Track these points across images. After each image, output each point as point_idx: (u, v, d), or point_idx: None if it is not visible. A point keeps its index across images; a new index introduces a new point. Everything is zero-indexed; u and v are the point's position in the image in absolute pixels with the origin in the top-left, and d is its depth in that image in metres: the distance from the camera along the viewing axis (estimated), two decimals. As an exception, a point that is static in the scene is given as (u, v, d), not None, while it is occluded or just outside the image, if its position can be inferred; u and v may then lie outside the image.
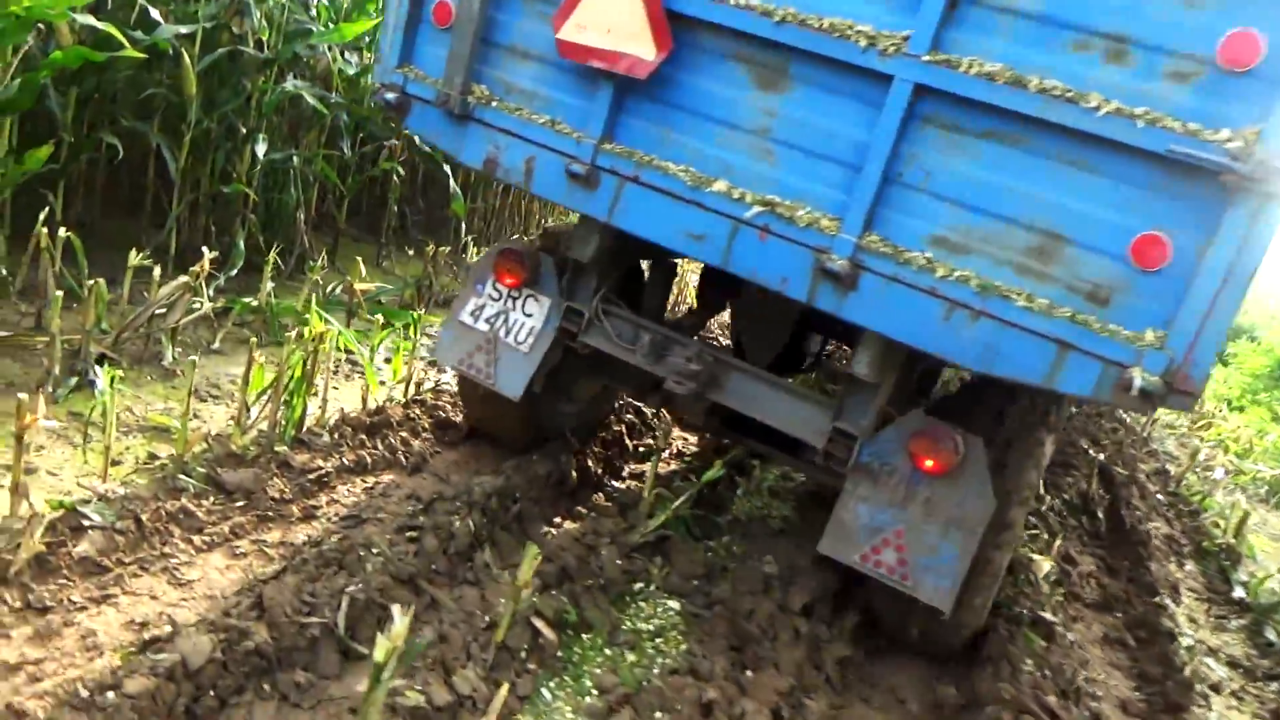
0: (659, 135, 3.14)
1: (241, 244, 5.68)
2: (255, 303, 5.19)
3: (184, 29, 5.15)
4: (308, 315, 4.56)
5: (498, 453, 4.46)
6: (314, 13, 6.26)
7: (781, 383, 3.54)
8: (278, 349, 4.62)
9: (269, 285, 5.16)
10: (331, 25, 6.31)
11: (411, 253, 7.79)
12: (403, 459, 4.16)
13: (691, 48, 3.02)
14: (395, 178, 7.09)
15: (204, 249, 4.75)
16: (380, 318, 5.78)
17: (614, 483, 4.73)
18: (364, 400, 4.52)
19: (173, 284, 4.50)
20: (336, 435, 4.09)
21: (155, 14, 4.98)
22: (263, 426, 3.89)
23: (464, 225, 8.12)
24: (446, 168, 7.19)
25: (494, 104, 3.39)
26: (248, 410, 3.81)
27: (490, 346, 3.86)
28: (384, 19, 3.57)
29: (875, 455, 3.31)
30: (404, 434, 4.32)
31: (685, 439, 5.46)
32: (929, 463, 3.18)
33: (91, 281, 4.09)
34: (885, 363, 3.20)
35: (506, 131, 3.37)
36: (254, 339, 3.82)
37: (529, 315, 3.83)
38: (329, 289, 6.04)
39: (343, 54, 6.50)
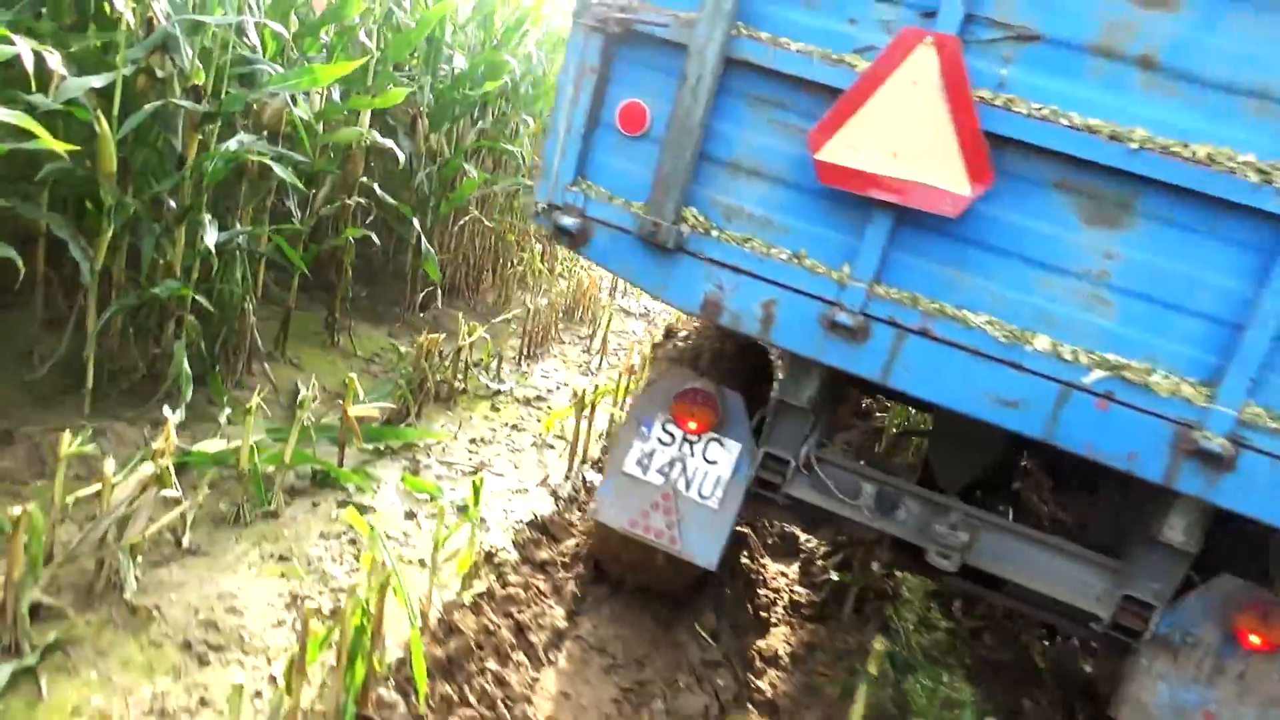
0: (950, 278, 2.55)
1: (185, 363, 4.18)
2: (217, 450, 3.86)
3: (98, 80, 3.57)
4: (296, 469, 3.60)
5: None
6: (257, 43, 4.68)
7: (1053, 541, 3.02)
8: (272, 522, 3.75)
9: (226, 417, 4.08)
10: (287, 62, 5.01)
11: (368, 325, 6.55)
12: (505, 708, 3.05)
13: (1005, 175, 2.43)
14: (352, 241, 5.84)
15: (140, 376, 3.63)
16: (381, 444, 4.66)
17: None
18: (423, 619, 3.21)
19: (134, 478, 3.07)
20: (411, 697, 2.84)
21: (53, 60, 3.24)
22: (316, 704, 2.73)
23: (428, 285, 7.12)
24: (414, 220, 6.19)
25: (714, 233, 2.71)
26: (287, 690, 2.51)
27: (670, 504, 3.20)
28: (552, 122, 2.81)
29: (1177, 626, 2.85)
30: (489, 664, 3.21)
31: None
32: (1255, 639, 2.74)
33: (19, 509, 2.63)
34: (1203, 529, 2.73)
35: (734, 268, 2.70)
36: (277, 572, 2.90)
37: (712, 463, 3.18)
38: (319, 418, 4.71)
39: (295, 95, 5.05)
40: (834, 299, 2.61)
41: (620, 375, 6.05)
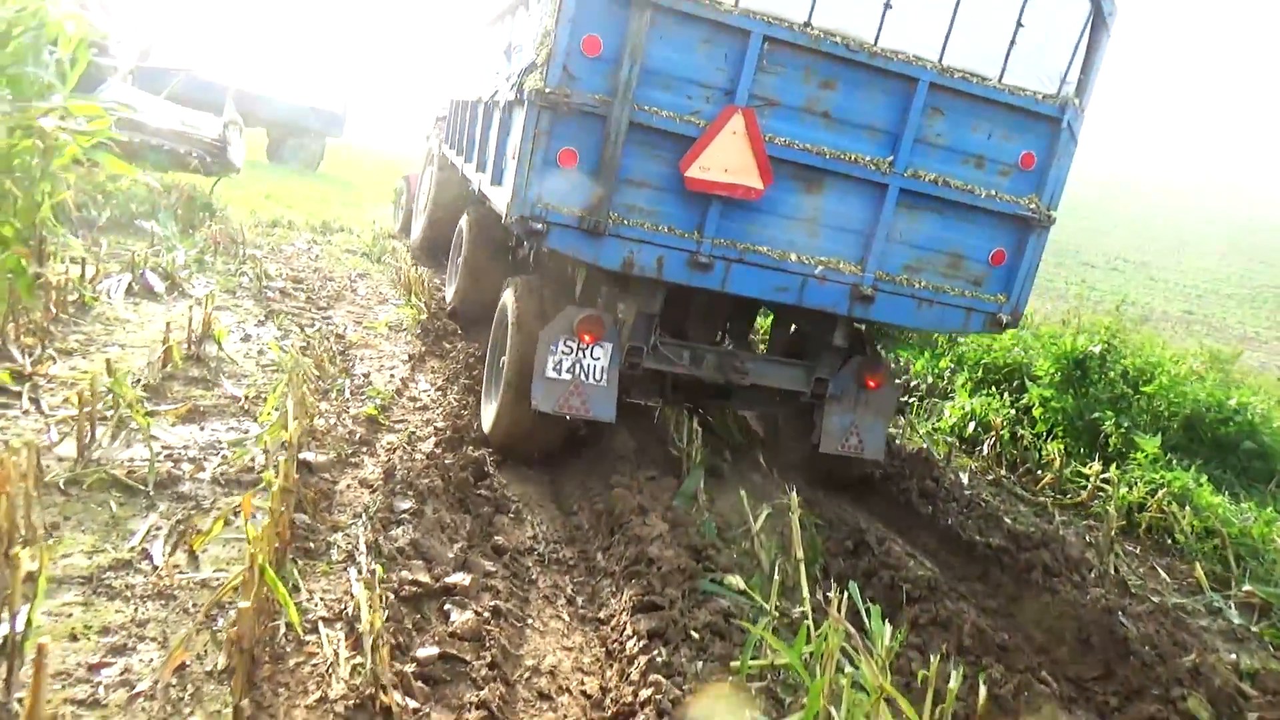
0: (750, 230, 4.83)
1: None
2: None
3: None
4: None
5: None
6: None
7: (779, 359, 5.60)
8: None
9: None
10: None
11: None
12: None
13: (777, 175, 4.75)
14: None
15: None
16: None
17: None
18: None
19: None
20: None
21: None
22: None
23: None
24: None
25: (625, 222, 4.64)
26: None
27: (579, 389, 5.10)
28: (519, 162, 4.44)
29: (838, 386, 5.64)
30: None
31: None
32: (872, 383, 5.63)
33: None
34: (847, 337, 5.50)
35: (639, 240, 4.67)
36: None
37: (597, 359, 5.15)
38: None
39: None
40: (694, 249, 4.75)
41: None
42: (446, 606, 3.52)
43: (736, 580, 4.11)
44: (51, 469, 3.94)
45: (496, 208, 5.47)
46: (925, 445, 7.81)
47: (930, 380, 9.78)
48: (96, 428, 4.30)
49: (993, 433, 8.04)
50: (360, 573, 3.53)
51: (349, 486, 4.59)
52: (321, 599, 3.42)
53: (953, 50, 4.84)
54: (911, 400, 9.31)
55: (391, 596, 3.37)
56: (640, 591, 3.90)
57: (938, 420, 8.71)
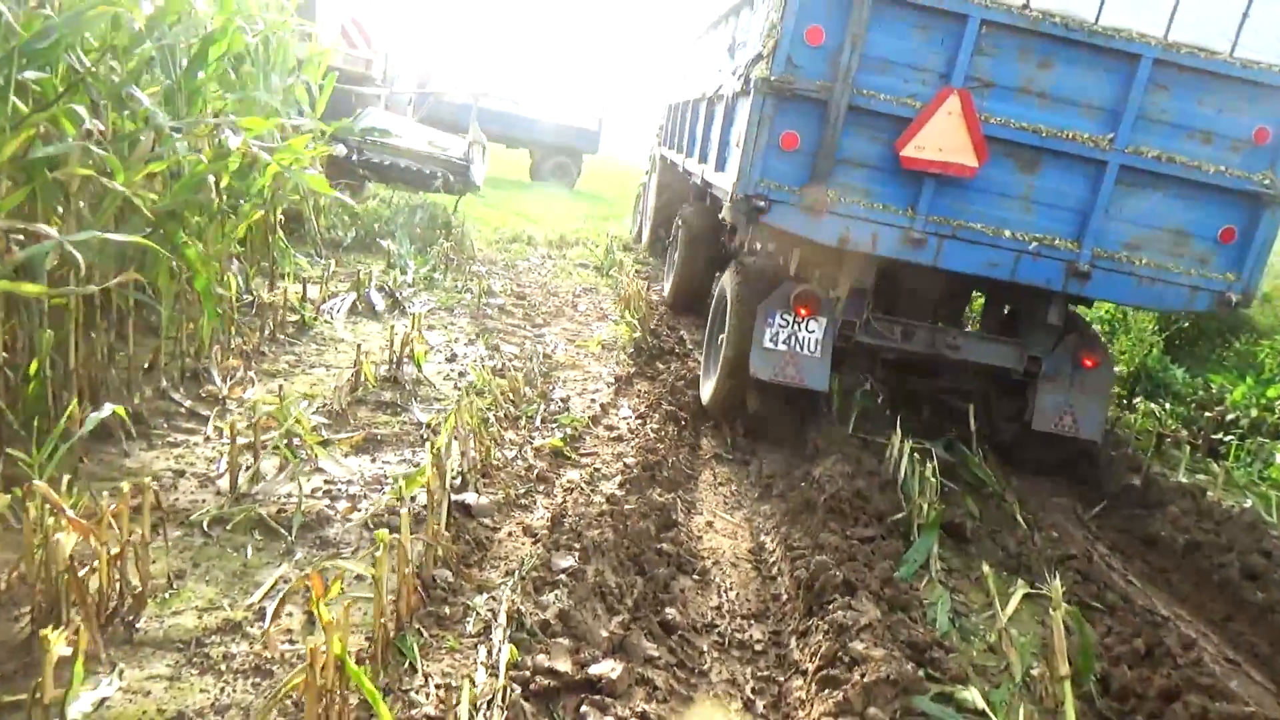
0: (962, 207, 5.03)
1: None
2: None
3: None
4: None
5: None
6: None
7: (990, 336, 5.73)
8: None
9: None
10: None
11: None
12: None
13: (991, 153, 4.93)
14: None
15: None
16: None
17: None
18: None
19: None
20: None
21: None
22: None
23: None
24: None
25: (842, 200, 4.97)
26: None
27: (794, 360, 5.45)
28: (744, 146, 4.88)
29: (1052, 365, 5.68)
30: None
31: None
32: (1088, 363, 5.64)
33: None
34: (1062, 314, 5.55)
35: (854, 217, 4.98)
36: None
37: (812, 332, 5.48)
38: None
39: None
40: (908, 225, 5.00)
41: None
42: (584, 709, 2.81)
43: (972, 696, 3.19)
44: (204, 504, 3.75)
45: (719, 192, 5.92)
46: (1250, 503, 5.88)
47: (1255, 413, 7.68)
48: (263, 458, 4.14)
49: (1346, 490, 6.17)
50: (490, 654, 2.98)
51: (511, 535, 4.03)
52: (436, 689, 2.82)
53: (1180, 24, 4.83)
54: (1229, 439, 7.33)
55: (517, 691, 2.75)
56: (834, 709, 2.96)
57: (1266, 468, 6.81)
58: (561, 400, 6.13)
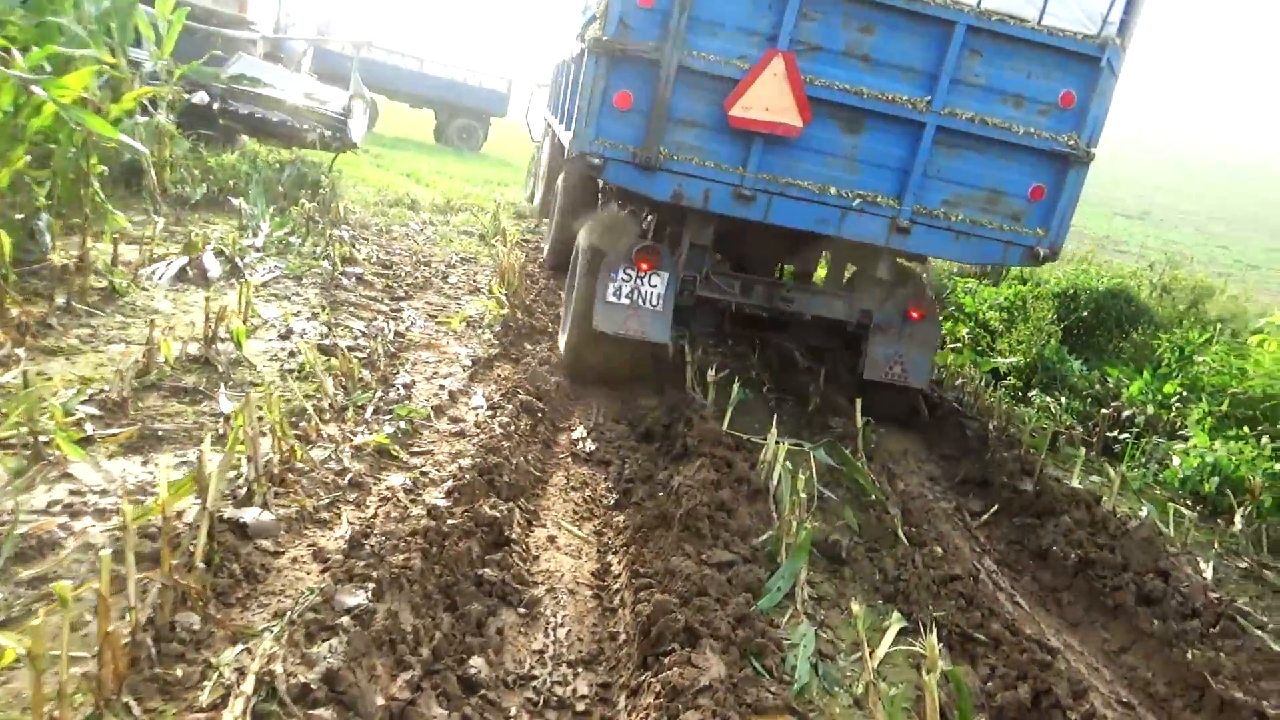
0: (790, 165, 5.27)
1: None
2: None
3: None
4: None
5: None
6: None
7: (827, 289, 6.02)
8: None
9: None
10: None
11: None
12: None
13: (815, 114, 5.17)
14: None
15: None
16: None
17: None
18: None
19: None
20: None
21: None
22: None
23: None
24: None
25: (675, 158, 5.15)
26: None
27: (637, 313, 5.66)
28: (580, 107, 5.02)
29: (883, 317, 6.01)
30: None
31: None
32: (915, 314, 5.99)
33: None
34: (890, 269, 5.87)
35: (686, 174, 5.18)
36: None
37: (654, 287, 5.69)
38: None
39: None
40: (737, 183, 5.22)
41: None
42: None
43: None
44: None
45: (568, 149, 6.06)
46: (1146, 514, 5.54)
47: (1151, 410, 7.44)
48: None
49: (1247, 496, 6.01)
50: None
51: (296, 561, 3.24)
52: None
53: (995, -7, 5.14)
54: (1124, 438, 7.12)
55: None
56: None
57: (1160, 470, 6.60)
58: (405, 387, 5.27)
